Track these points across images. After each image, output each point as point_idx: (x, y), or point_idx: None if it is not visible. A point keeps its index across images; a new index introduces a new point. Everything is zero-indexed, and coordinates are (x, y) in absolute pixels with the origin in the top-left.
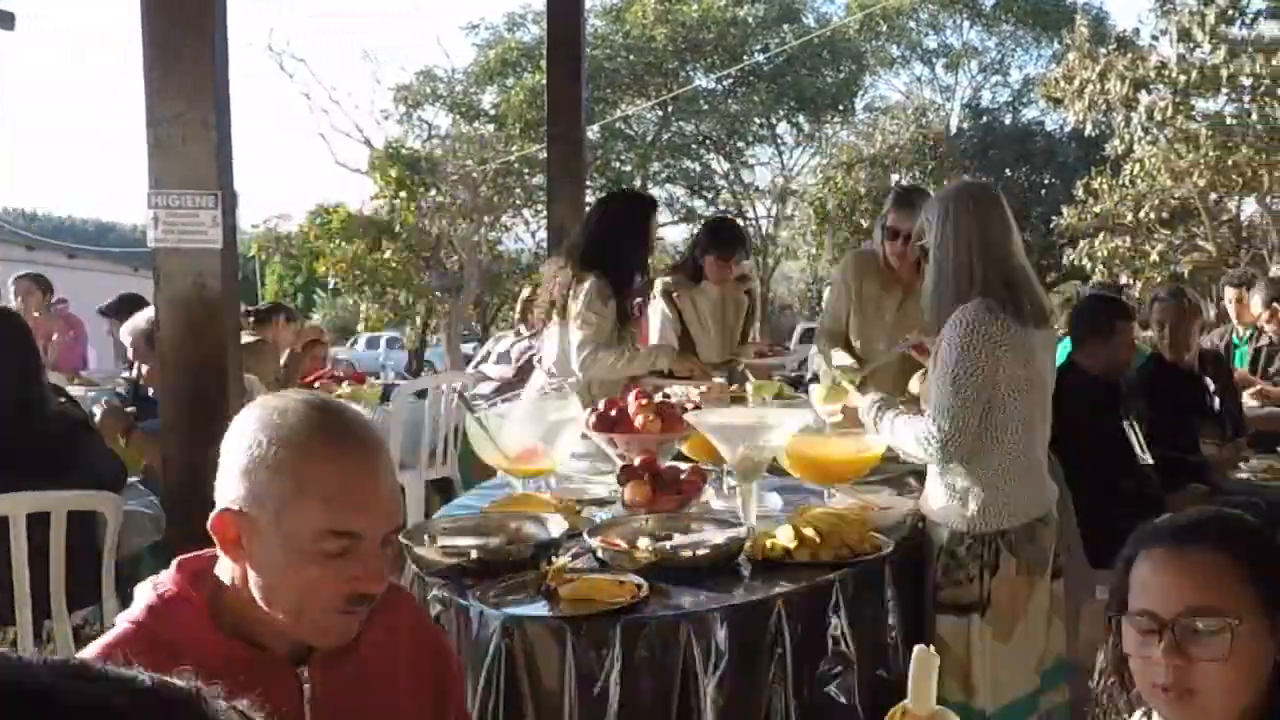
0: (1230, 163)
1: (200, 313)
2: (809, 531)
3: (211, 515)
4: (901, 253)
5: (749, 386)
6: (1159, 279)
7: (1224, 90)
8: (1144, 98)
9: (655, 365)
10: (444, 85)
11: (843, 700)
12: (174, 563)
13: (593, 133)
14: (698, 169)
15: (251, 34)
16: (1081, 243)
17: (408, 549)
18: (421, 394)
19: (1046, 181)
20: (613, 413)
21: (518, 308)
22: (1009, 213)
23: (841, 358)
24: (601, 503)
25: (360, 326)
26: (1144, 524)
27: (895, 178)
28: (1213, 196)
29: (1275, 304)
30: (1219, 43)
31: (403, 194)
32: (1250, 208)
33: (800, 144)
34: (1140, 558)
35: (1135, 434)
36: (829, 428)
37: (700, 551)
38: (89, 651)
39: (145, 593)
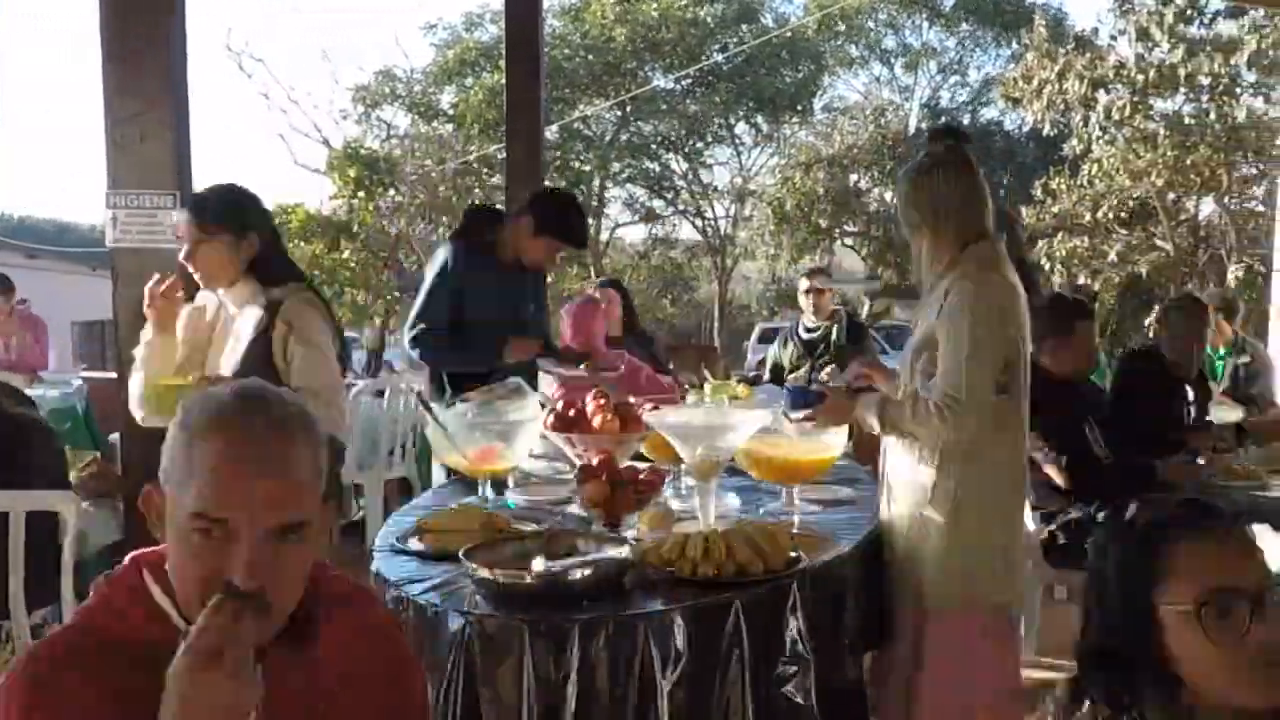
0: (1188, 162)
1: None
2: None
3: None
4: None
5: (707, 387)
6: (1118, 279)
7: (1182, 90)
8: (1102, 97)
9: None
10: (403, 85)
11: (799, 700)
12: (128, 557)
13: (551, 133)
14: (657, 169)
15: (210, 34)
16: (1040, 243)
17: None
18: (380, 394)
19: (1005, 182)
20: (571, 412)
21: None
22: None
23: None
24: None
25: None
26: (1152, 513)
27: (854, 178)
28: (1171, 196)
29: (1220, 317)
30: (1177, 42)
31: (361, 194)
32: (1208, 207)
33: (759, 144)
34: (1181, 541)
35: (1093, 435)
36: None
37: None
38: (40, 645)
39: (98, 586)
